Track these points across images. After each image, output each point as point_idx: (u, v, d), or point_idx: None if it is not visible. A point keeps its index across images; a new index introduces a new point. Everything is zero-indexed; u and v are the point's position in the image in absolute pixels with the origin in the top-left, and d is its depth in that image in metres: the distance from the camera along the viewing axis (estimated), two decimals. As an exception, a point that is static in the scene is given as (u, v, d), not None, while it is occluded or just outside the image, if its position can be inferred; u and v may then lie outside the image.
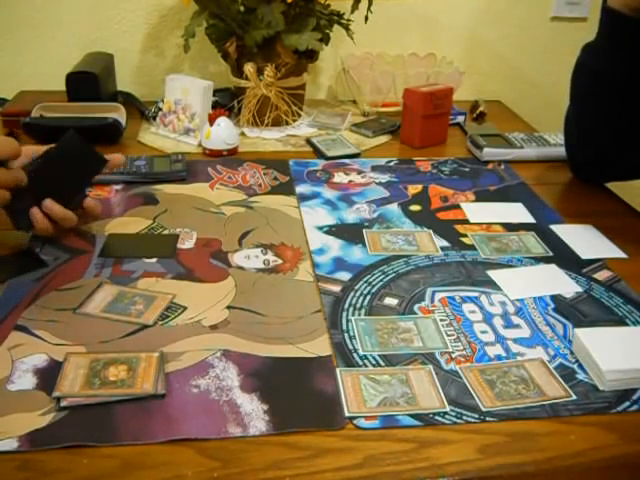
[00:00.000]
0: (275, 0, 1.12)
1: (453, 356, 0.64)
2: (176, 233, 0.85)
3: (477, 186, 1.03)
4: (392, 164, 1.10)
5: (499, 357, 0.65)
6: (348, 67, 1.34)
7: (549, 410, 0.58)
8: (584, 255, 0.84)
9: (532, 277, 0.79)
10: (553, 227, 0.91)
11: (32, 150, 0.80)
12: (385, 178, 1.04)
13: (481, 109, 1.35)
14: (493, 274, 0.79)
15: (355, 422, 0.56)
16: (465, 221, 0.92)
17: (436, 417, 0.57)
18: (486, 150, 1.12)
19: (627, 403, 0.60)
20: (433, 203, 0.97)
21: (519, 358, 0.65)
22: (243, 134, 1.20)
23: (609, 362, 0.61)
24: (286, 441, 0.54)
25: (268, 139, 1.20)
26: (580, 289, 0.76)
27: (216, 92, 1.21)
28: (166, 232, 0.85)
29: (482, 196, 1.00)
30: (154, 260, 0.79)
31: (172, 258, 0.79)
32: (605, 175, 1.04)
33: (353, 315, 0.70)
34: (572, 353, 0.66)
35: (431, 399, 0.59)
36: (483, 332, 0.68)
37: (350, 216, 0.92)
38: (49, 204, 0.78)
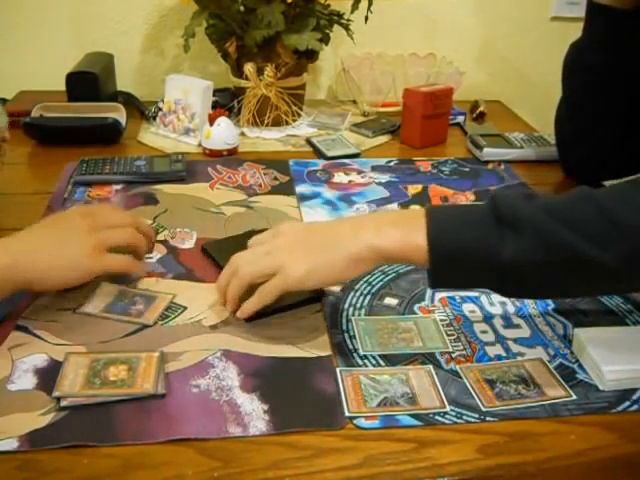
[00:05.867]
0: (275, 0, 1.12)
1: (453, 356, 0.64)
2: (155, 229, 0.85)
3: (477, 186, 1.03)
4: (392, 164, 1.10)
5: (499, 357, 0.65)
6: (348, 67, 1.34)
7: (549, 410, 0.58)
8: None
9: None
10: (553, 227, 0.91)
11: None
12: (385, 178, 1.04)
13: (481, 109, 1.35)
14: (493, 274, 0.78)
15: (355, 422, 0.56)
16: (465, 221, 0.92)
17: (436, 417, 0.57)
18: (486, 150, 1.12)
19: (627, 403, 0.60)
20: (433, 203, 0.97)
21: (519, 358, 0.65)
22: (243, 134, 1.20)
23: (609, 362, 0.61)
24: (286, 441, 0.54)
25: (268, 139, 1.20)
26: (580, 289, 0.76)
27: (216, 92, 1.20)
28: (166, 232, 0.85)
29: (482, 196, 1.00)
30: (154, 260, 0.79)
31: (149, 253, 0.79)
32: (599, 173, 1.04)
33: (353, 315, 0.70)
34: (572, 353, 0.66)
35: (431, 399, 0.59)
36: (483, 332, 0.68)
37: (350, 216, 0.92)
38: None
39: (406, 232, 0.61)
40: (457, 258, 0.59)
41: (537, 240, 0.57)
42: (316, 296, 0.72)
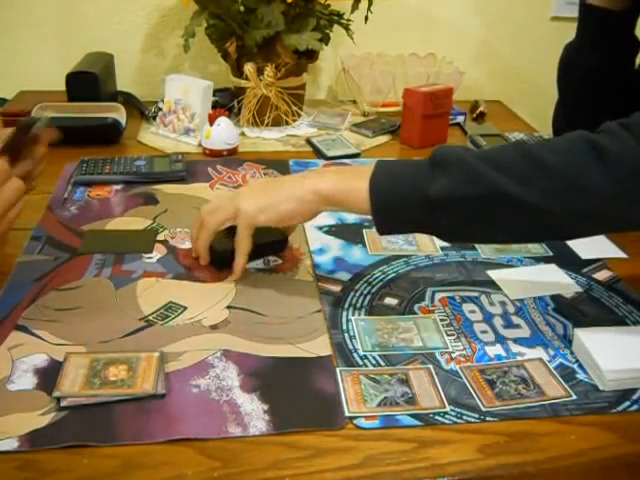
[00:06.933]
0: (275, 0, 1.12)
1: (453, 356, 0.64)
2: (155, 229, 0.85)
3: (477, 186, 1.03)
4: (392, 164, 1.10)
5: (499, 357, 0.65)
6: (348, 67, 1.34)
7: (549, 410, 0.58)
8: (584, 255, 0.84)
9: (532, 277, 0.79)
10: (553, 227, 0.91)
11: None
12: (385, 178, 1.04)
13: (481, 109, 1.35)
14: (493, 274, 0.78)
15: (355, 422, 0.56)
16: (465, 221, 0.92)
17: (436, 417, 0.57)
18: (486, 150, 1.12)
19: (627, 403, 0.60)
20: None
21: (519, 358, 0.65)
22: (243, 134, 1.20)
23: (609, 362, 0.61)
24: (286, 441, 0.54)
25: (268, 139, 1.20)
26: (580, 289, 0.76)
27: (216, 92, 1.20)
28: (166, 232, 0.85)
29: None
30: (154, 260, 0.79)
31: (150, 253, 0.79)
32: None
33: (353, 315, 0.70)
34: (572, 353, 0.66)
35: (431, 399, 0.59)
36: (483, 332, 0.68)
37: (350, 216, 0.92)
38: None
39: (349, 178, 0.68)
40: (393, 196, 0.64)
41: (462, 176, 0.62)
42: (279, 239, 0.80)
